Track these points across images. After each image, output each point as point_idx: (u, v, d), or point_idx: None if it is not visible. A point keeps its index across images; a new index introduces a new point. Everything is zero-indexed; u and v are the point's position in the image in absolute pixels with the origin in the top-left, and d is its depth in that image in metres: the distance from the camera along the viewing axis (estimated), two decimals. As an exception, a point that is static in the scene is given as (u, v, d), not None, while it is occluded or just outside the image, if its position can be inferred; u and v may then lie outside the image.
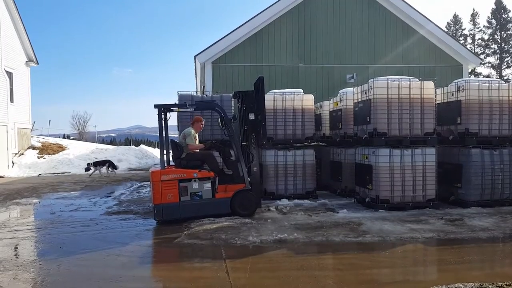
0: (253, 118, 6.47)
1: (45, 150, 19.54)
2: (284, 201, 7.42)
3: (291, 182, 7.91)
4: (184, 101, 6.68)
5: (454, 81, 7.32)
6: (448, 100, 7.25)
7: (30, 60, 19.50)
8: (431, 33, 11.79)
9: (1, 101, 16.14)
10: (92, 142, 33.31)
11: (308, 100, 8.08)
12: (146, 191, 9.94)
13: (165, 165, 6.25)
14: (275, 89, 8.74)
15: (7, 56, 16.88)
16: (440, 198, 6.92)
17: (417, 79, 6.88)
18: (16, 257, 4.76)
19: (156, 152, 26.58)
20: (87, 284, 3.87)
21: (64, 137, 37.32)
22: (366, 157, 6.92)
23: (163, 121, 6.22)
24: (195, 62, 13.14)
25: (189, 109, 6.49)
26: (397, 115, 6.69)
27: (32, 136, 20.51)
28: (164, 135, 6.25)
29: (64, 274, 4.08)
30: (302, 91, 8.24)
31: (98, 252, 4.84)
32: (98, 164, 14.48)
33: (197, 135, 6.62)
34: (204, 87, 12.91)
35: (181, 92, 8.09)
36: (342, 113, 8.21)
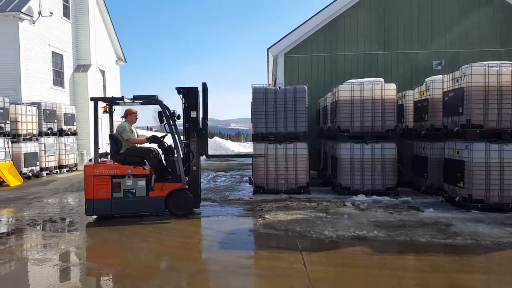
0: (195, 115, 6.14)
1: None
2: (361, 197, 7.09)
3: (369, 177, 7.52)
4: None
5: None
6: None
7: (119, 58, 21.36)
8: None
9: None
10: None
11: (390, 90, 7.56)
12: (222, 181, 10.28)
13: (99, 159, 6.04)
14: (351, 79, 8.36)
15: (100, 56, 18.69)
16: (549, 201, 6.01)
17: (522, 64, 6.02)
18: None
19: (229, 144, 27.51)
20: (174, 263, 4.16)
21: (147, 129, 40.44)
22: (457, 152, 6.27)
23: (98, 114, 5.99)
24: (267, 55, 13.17)
25: (131, 103, 6.25)
26: (495, 106, 5.95)
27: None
28: (100, 128, 6.13)
29: (152, 253, 4.44)
30: (382, 80, 7.74)
31: (182, 235, 5.12)
32: None
33: (133, 128, 6.44)
34: (275, 79, 12.90)
35: (255, 85, 8.16)
36: (428, 103, 7.54)
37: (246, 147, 28.74)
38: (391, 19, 10.65)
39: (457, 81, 6.33)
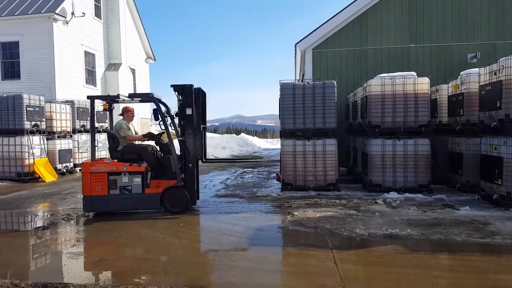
0: (190, 113, 6.05)
1: (162, 137, 21.76)
2: (393, 194, 6.91)
3: (401, 174, 7.31)
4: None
5: None
6: None
7: (148, 57, 21.81)
8: None
9: (127, 94, 18.43)
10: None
11: (423, 84, 7.29)
12: (249, 177, 10.31)
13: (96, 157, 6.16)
14: (382, 73, 8.13)
15: (131, 55, 19.13)
16: None
17: None
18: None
19: (255, 140, 27.51)
20: (205, 258, 4.24)
21: (175, 126, 41.01)
22: (495, 148, 5.98)
23: (95, 111, 6.22)
24: (295, 51, 13.04)
25: (129, 101, 6.32)
26: (538, 99, 5.61)
27: (151, 125, 23.06)
28: (94, 125, 6.26)
29: (184, 248, 4.52)
30: (415, 74, 7.49)
31: (211, 230, 5.20)
32: None
33: (131, 125, 6.44)
34: (303, 74, 12.76)
35: (282, 81, 8.09)
36: (464, 98, 7.23)
37: (273, 143, 28.67)
38: (423, 11, 10.28)
39: (495, 74, 6.03)
